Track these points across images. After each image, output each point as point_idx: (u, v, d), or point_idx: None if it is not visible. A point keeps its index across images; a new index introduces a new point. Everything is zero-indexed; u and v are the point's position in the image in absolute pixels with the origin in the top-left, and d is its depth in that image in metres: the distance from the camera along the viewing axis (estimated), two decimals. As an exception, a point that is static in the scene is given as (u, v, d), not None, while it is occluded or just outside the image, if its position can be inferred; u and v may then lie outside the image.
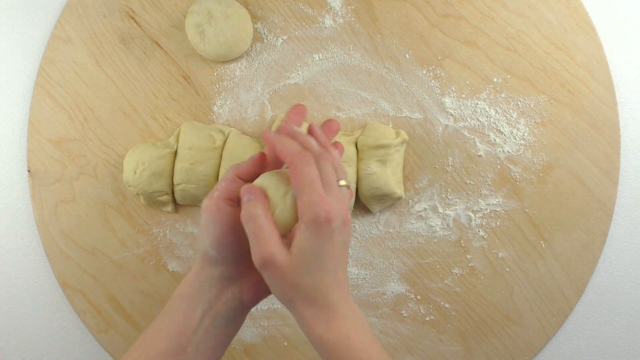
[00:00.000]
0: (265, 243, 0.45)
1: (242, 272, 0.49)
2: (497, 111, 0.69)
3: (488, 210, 0.69)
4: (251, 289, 0.50)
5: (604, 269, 0.71)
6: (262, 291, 0.50)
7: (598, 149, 0.68)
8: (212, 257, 0.48)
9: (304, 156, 0.46)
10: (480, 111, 0.69)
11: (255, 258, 0.45)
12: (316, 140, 0.50)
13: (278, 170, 0.51)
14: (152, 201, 0.66)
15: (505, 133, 0.69)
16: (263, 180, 0.49)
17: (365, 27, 0.68)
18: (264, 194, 0.47)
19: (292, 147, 0.47)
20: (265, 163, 0.52)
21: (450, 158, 0.69)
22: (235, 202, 0.49)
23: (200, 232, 0.49)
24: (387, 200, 0.67)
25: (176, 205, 0.68)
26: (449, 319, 0.69)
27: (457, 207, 0.69)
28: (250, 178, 0.50)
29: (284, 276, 0.45)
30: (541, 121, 0.68)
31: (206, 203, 0.49)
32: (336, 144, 0.56)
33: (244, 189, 0.47)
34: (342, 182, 0.48)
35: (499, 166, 0.69)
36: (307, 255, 0.45)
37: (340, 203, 0.46)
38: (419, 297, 0.69)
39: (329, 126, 0.59)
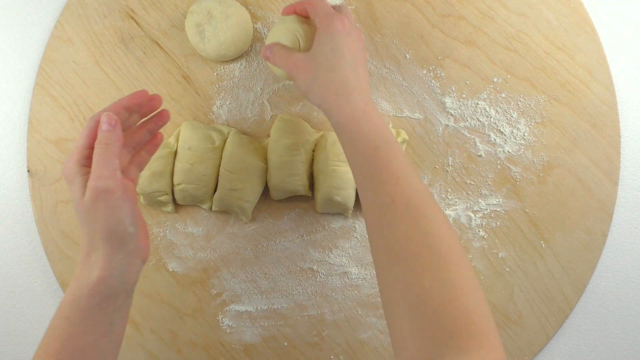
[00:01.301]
0: (288, 52, 0.57)
1: (138, 235, 0.51)
2: (497, 111, 0.69)
3: (488, 210, 0.69)
4: (144, 245, 0.52)
5: (604, 269, 0.71)
6: (148, 241, 0.53)
7: (598, 149, 0.68)
8: (131, 233, 0.49)
9: None
10: (481, 111, 0.69)
11: (286, 69, 0.57)
12: None
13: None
14: (152, 201, 0.66)
15: (506, 133, 0.69)
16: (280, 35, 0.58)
17: (365, 27, 0.68)
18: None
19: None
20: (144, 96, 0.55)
21: (450, 158, 0.69)
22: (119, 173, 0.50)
23: (103, 217, 0.48)
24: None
25: (176, 205, 0.68)
26: (449, 319, 0.69)
27: (457, 207, 0.69)
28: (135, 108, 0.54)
29: (301, 71, 0.55)
30: (541, 121, 0.68)
31: (107, 185, 0.48)
32: None
33: (263, 51, 0.58)
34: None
35: (499, 166, 0.69)
36: (324, 49, 0.54)
37: (351, 19, 0.56)
38: (419, 297, 0.69)
39: (160, 118, 0.58)
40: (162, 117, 0.58)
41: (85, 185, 0.48)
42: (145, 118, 0.57)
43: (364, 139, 0.51)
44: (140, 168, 0.57)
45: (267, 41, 0.60)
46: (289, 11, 0.60)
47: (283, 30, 0.58)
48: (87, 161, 0.49)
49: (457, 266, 0.45)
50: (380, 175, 0.49)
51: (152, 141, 0.58)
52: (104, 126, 0.49)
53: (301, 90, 0.56)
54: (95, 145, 0.49)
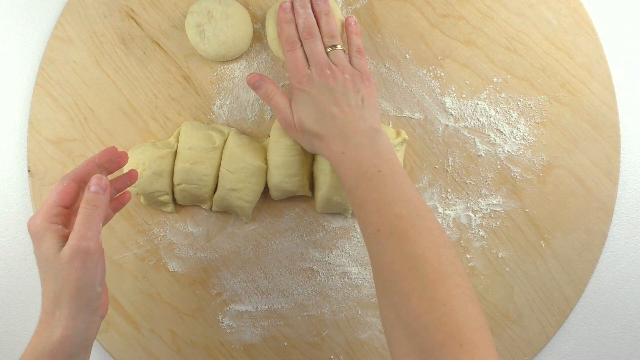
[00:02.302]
0: (286, 111, 0.62)
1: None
2: (497, 111, 0.69)
3: (488, 210, 0.69)
4: (105, 303, 0.55)
5: (604, 269, 0.71)
6: (107, 297, 0.56)
7: (598, 149, 0.68)
8: (98, 292, 0.50)
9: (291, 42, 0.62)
10: (481, 111, 0.69)
11: (284, 124, 0.64)
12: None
13: None
14: (152, 201, 0.66)
15: (505, 133, 0.69)
16: None
17: (365, 27, 0.68)
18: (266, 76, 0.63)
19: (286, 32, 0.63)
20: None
21: (450, 158, 0.69)
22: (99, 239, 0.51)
23: (76, 276, 0.48)
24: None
25: (176, 205, 0.68)
26: (449, 319, 0.69)
27: (457, 207, 0.69)
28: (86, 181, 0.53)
29: (301, 130, 0.61)
30: (541, 121, 0.68)
31: (89, 246, 0.48)
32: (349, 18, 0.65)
33: (252, 78, 0.63)
34: (339, 47, 0.62)
35: (499, 166, 0.69)
36: (305, 108, 0.60)
37: (342, 64, 0.61)
38: (419, 297, 0.69)
39: (129, 178, 0.60)
40: (131, 177, 0.60)
41: (57, 242, 0.49)
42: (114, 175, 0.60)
43: (345, 177, 0.56)
44: (104, 224, 0.57)
45: (268, 33, 0.64)
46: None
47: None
48: (56, 218, 0.50)
49: (444, 284, 0.47)
50: (365, 207, 0.54)
51: (119, 199, 0.61)
52: (93, 187, 0.50)
53: (296, 139, 0.63)
54: (83, 205, 0.49)
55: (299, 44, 0.62)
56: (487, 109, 0.69)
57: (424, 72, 0.69)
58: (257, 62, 0.69)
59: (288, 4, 0.62)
